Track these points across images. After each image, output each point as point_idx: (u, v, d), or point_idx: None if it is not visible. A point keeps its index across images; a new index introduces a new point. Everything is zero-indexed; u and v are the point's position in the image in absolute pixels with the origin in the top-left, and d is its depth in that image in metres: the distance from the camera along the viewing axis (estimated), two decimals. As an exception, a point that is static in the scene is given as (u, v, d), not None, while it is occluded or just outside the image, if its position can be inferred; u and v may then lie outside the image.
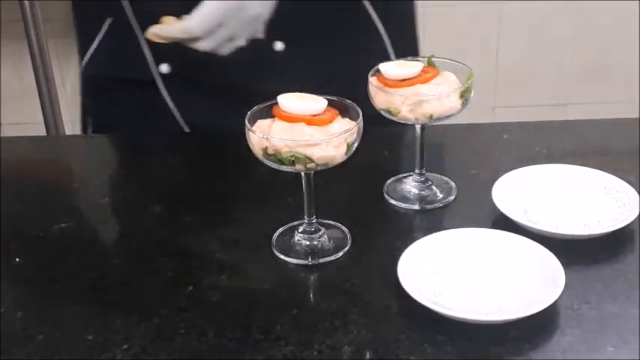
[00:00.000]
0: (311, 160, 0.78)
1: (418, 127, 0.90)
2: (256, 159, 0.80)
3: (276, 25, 0.99)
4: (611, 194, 0.88)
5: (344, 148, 0.79)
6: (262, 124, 0.80)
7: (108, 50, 1.13)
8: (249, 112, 0.81)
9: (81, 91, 1.21)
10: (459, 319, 0.71)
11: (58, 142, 1.16)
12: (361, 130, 0.80)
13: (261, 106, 0.81)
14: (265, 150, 0.78)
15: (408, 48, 1.16)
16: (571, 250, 0.80)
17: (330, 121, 0.79)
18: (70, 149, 1.14)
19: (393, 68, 0.88)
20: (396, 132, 1.04)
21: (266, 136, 0.78)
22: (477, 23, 2.27)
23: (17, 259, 0.86)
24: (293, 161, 0.77)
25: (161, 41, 0.93)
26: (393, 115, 0.87)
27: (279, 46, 1.06)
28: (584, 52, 2.31)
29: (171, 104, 1.10)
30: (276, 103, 0.81)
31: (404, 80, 0.87)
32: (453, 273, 0.78)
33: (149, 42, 1.05)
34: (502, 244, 0.80)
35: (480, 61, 2.22)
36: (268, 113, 0.81)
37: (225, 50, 0.95)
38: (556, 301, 0.72)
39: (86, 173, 1.05)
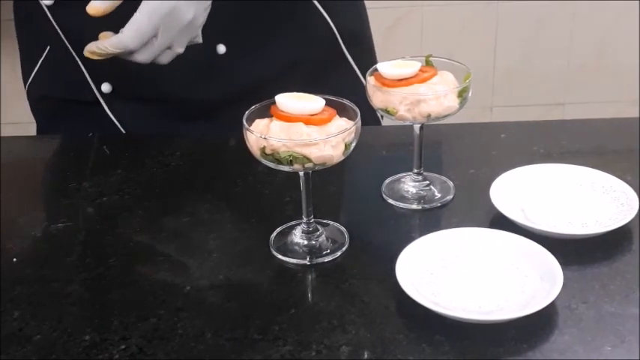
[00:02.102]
0: (309, 160, 0.77)
1: (416, 127, 0.90)
2: (254, 159, 0.80)
3: (216, 28, 0.98)
4: (609, 194, 0.88)
5: (342, 148, 0.79)
6: (260, 124, 0.80)
7: (50, 73, 1.14)
8: (246, 112, 0.81)
9: (31, 110, 1.22)
10: (457, 319, 0.71)
11: (57, 142, 1.16)
12: (359, 130, 0.80)
13: (258, 105, 0.81)
14: (263, 150, 0.78)
15: (357, 42, 1.16)
16: (569, 250, 0.80)
17: (328, 120, 0.79)
18: (68, 149, 1.14)
19: (390, 68, 0.88)
20: (394, 131, 1.04)
21: (264, 135, 0.78)
22: (475, 23, 2.27)
23: (14, 259, 0.86)
24: (291, 161, 0.77)
25: (99, 58, 0.92)
26: (390, 114, 0.87)
27: (221, 49, 1.06)
28: (582, 51, 2.31)
29: (116, 122, 1.12)
30: (274, 103, 0.80)
31: (401, 80, 0.87)
32: (451, 273, 0.78)
33: (88, 63, 1.06)
34: (500, 244, 0.80)
35: (478, 60, 2.22)
36: (266, 113, 0.81)
37: (165, 59, 0.94)
38: (554, 300, 0.72)
39: (84, 173, 1.05)
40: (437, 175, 0.95)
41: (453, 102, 0.86)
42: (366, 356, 0.70)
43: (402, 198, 0.92)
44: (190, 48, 0.96)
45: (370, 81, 0.88)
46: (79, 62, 1.09)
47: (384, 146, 1.03)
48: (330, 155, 0.78)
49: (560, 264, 0.75)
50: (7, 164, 1.06)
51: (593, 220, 0.85)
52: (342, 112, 0.81)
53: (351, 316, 0.74)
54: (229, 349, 0.71)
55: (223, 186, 0.98)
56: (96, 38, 0.93)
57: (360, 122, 0.80)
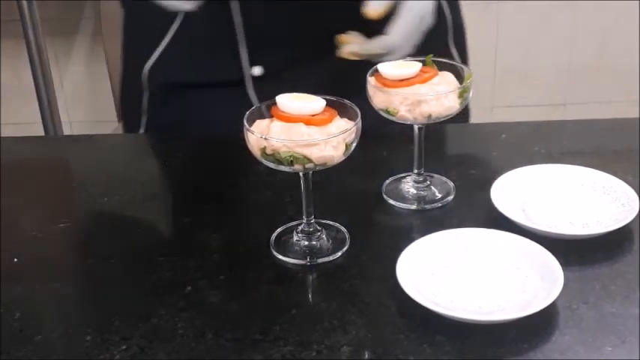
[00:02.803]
0: (309, 160, 0.77)
1: (417, 127, 0.90)
2: (255, 159, 0.80)
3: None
4: (610, 194, 0.88)
5: (342, 148, 0.79)
6: (261, 124, 0.80)
7: (180, 53, 1.12)
8: (247, 112, 0.81)
9: (127, 94, 1.19)
10: (458, 319, 0.71)
11: (56, 142, 1.16)
12: (360, 130, 0.80)
13: (259, 105, 0.81)
14: (264, 150, 0.78)
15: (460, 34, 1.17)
16: (570, 250, 0.80)
17: (329, 121, 0.79)
18: (69, 149, 1.14)
19: (391, 68, 0.88)
20: (394, 132, 1.04)
21: (264, 136, 0.78)
22: (476, 23, 2.26)
23: (15, 260, 0.86)
24: (291, 161, 0.77)
25: (355, 58, 0.94)
26: (391, 115, 0.87)
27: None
28: (582, 51, 2.31)
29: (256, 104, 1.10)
30: (275, 103, 0.80)
31: (402, 80, 0.87)
32: (451, 273, 0.78)
33: (248, 42, 1.06)
34: (501, 244, 0.80)
35: (479, 60, 2.21)
36: (267, 113, 0.81)
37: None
38: (555, 301, 0.72)
39: (85, 173, 1.05)
40: (437, 176, 0.95)
41: (453, 102, 0.86)
42: (366, 356, 0.70)
43: (403, 198, 0.92)
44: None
45: (371, 81, 0.88)
46: (239, 41, 1.07)
47: (384, 146, 1.03)
48: (330, 156, 0.78)
49: (561, 264, 0.75)
50: (8, 164, 1.06)
51: (594, 220, 0.85)
52: (343, 112, 0.81)
53: (351, 316, 0.74)
54: (230, 349, 0.71)
55: (224, 186, 0.98)
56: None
57: (360, 122, 0.80)
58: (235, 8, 1.06)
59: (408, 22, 0.95)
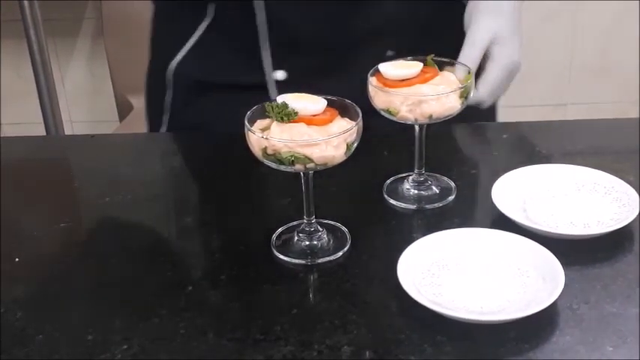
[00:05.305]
0: (310, 160, 0.78)
1: (417, 127, 0.90)
2: (256, 159, 0.80)
3: (393, 32, 1.03)
4: (611, 194, 0.88)
5: (343, 148, 0.79)
6: (262, 124, 0.80)
7: (206, 53, 1.12)
8: (248, 112, 0.81)
9: (152, 92, 1.19)
10: (459, 319, 0.71)
11: (57, 142, 1.16)
12: (361, 130, 0.80)
13: (260, 106, 0.81)
14: (265, 150, 0.78)
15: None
16: (570, 250, 0.80)
17: (330, 121, 0.79)
18: (70, 149, 1.14)
19: (392, 68, 0.88)
20: (395, 132, 1.04)
21: (265, 136, 0.78)
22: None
23: (17, 259, 0.86)
24: (292, 161, 0.77)
25: None
26: (392, 115, 0.87)
27: (389, 54, 1.05)
28: (583, 52, 2.31)
29: None
30: (276, 103, 0.81)
31: (403, 80, 0.87)
32: (452, 273, 0.78)
33: (272, 46, 1.06)
34: (501, 244, 0.80)
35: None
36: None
37: None
38: (555, 301, 0.72)
39: (86, 173, 1.05)
40: (438, 176, 0.95)
41: (454, 102, 0.87)
42: (367, 356, 0.70)
43: (404, 198, 0.92)
44: (367, 51, 1.00)
45: (372, 81, 0.88)
46: (261, 44, 1.07)
47: (385, 146, 1.03)
48: (331, 156, 0.78)
49: (562, 264, 0.75)
50: (9, 164, 1.06)
51: (595, 220, 0.85)
52: (344, 112, 0.81)
53: (352, 316, 0.74)
54: (231, 349, 0.71)
55: (225, 186, 0.98)
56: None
57: (361, 122, 0.80)
58: (260, 8, 1.05)
59: (495, 77, 1.02)
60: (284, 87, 1.08)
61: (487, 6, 1.04)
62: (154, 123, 1.19)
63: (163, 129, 1.17)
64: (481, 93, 1.01)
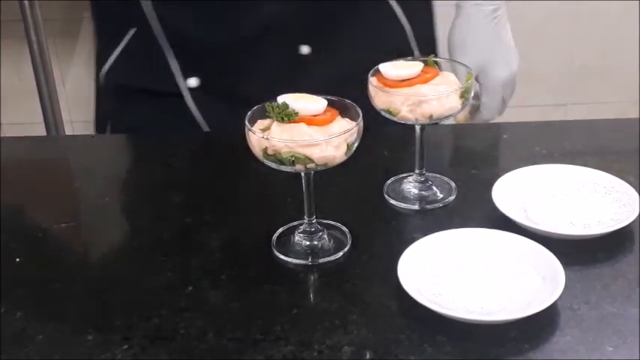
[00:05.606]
0: (311, 161, 0.77)
1: (418, 128, 0.90)
2: (256, 159, 0.80)
3: (300, 29, 1.01)
4: (611, 194, 0.88)
5: (344, 149, 0.79)
6: (262, 124, 0.80)
7: (130, 60, 1.12)
8: (249, 112, 0.81)
9: (97, 96, 1.20)
10: (459, 320, 0.71)
11: (58, 142, 1.16)
12: (361, 131, 0.80)
13: (260, 106, 0.81)
14: (265, 150, 0.78)
15: (429, 46, 1.18)
16: (571, 251, 0.80)
17: (330, 121, 0.79)
18: (70, 149, 1.14)
19: (392, 68, 0.88)
20: (396, 132, 1.04)
21: (266, 136, 0.78)
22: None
23: (17, 259, 0.86)
24: (293, 161, 0.77)
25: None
26: (393, 115, 0.87)
27: (305, 50, 1.06)
28: (584, 52, 2.31)
29: (198, 116, 1.10)
30: (276, 104, 0.80)
31: (404, 80, 0.87)
32: (452, 273, 0.78)
33: (177, 54, 1.06)
34: (502, 245, 0.80)
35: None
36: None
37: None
38: (556, 301, 0.72)
39: (86, 173, 1.05)
40: (439, 176, 0.95)
41: (455, 103, 0.86)
42: (367, 356, 0.70)
43: (404, 198, 0.92)
44: (275, 49, 1.00)
45: (372, 81, 0.88)
46: (166, 51, 1.07)
47: (386, 147, 1.03)
48: (332, 156, 0.78)
49: (562, 264, 0.75)
50: (9, 165, 1.06)
51: (595, 220, 0.85)
52: (345, 112, 0.81)
53: (352, 316, 0.74)
54: (231, 349, 0.71)
55: (225, 186, 0.98)
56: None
57: (362, 123, 0.80)
58: (152, 18, 1.05)
59: (492, 101, 1.10)
60: (200, 94, 1.09)
61: (462, 42, 1.10)
62: (99, 128, 1.20)
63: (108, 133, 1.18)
64: (487, 117, 1.11)
